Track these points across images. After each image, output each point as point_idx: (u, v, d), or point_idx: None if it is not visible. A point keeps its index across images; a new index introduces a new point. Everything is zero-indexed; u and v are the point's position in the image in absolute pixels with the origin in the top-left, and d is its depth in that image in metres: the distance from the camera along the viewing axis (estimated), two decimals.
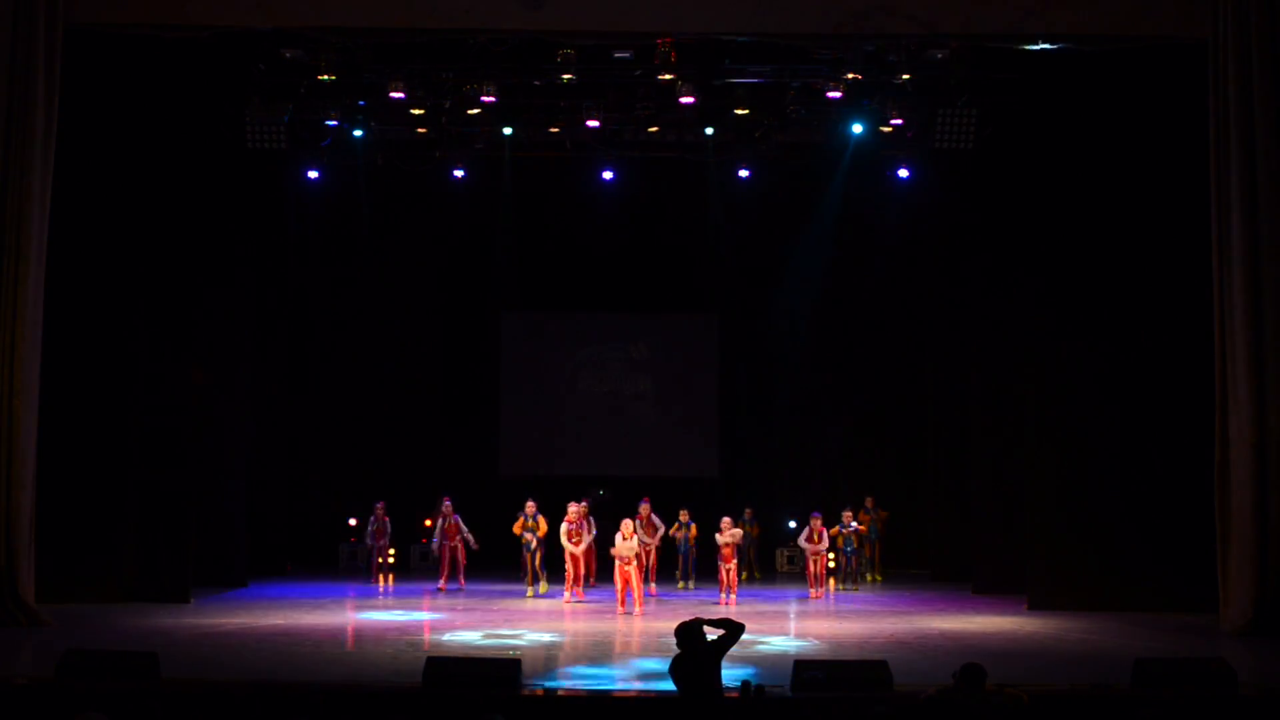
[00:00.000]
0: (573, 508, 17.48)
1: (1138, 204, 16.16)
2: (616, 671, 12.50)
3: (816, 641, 14.14)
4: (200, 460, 17.56)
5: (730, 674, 9.84)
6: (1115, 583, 16.03)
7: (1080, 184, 16.39)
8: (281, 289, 21.01)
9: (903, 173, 19.87)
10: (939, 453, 20.56)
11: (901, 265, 21.67)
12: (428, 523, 19.33)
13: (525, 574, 18.03)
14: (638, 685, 11.60)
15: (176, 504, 16.93)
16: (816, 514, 18.20)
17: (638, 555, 16.71)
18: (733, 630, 9.00)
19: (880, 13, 14.80)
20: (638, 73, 16.97)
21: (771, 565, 21.15)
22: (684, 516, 18.64)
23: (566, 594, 17.34)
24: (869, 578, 19.79)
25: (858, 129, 18.43)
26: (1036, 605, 16.12)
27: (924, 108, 17.68)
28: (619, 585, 16.48)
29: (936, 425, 20.62)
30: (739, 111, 18.00)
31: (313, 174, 19.88)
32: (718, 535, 17.20)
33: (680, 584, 18.90)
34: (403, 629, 14.88)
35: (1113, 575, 16.06)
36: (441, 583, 18.42)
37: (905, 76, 16.91)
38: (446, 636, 14.37)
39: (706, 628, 8.96)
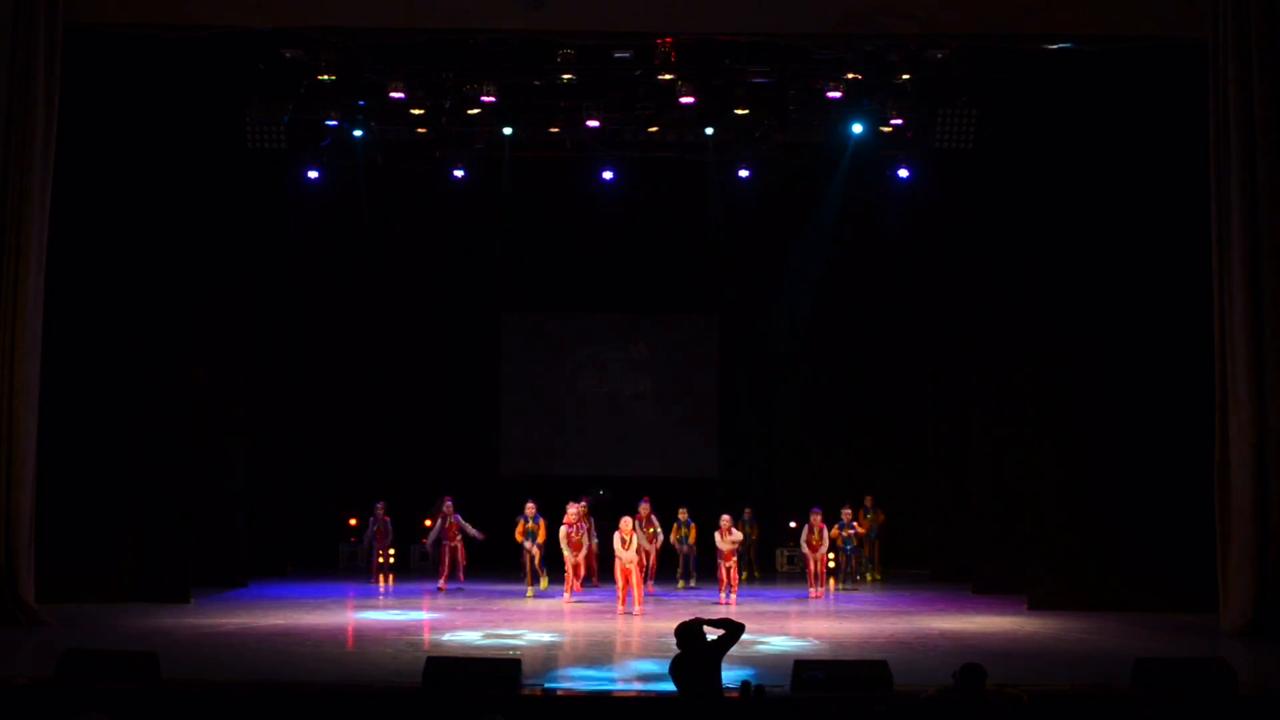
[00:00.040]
0: (572, 508, 17.48)
1: (1138, 204, 16.15)
2: (616, 673, 12.49)
3: (816, 641, 14.14)
4: (200, 460, 17.56)
5: (730, 674, 9.83)
6: (1115, 583, 16.02)
7: (1080, 184, 16.39)
8: (281, 289, 21.00)
9: (903, 173, 19.88)
10: (939, 453, 20.56)
11: (901, 265, 21.67)
12: (428, 523, 19.32)
13: (525, 574, 18.03)
14: (637, 686, 11.60)
15: (176, 504, 16.93)
16: (816, 510, 18.19)
17: (640, 551, 16.74)
18: (733, 630, 9.00)
19: (880, 13, 14.81)
20: (638, 73, 16.97)
21: (771, 565, 21.15)
22: (683, 515, 18.66)
23: (566, 594, 17.34)
24: (868, 577, 19.79)
25: (858, 129, 18.43)
26: (1036, 605, 16.12)
27: (924, 108, 17.68)
28: (619, 584, 16.49)
29: (936, 425, 20.62)
30: (739, 111, 18.00)
31: (313, 174, 19.88)
32: (718, 538, 17.22)
33: (680, 584, 18.91)
34: (403, 629, 14.88)
35: (1113, 575, 16.05)
36: (441, 582, 18.42)
37: (905, 76, 16.93)
38: (446, 636, 14.37)
39: (706, 628, 8.95)
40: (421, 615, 16.26)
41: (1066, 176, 16.46)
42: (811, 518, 18.07)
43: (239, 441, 18.84)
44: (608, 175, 20.09)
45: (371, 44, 16.14)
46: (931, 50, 16.11)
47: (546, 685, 11.17)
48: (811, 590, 17.96)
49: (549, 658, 13.11)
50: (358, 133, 18.80)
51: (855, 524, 18.98)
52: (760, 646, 13.28)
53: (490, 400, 22.66)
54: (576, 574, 17.42)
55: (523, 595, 17.75)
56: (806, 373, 22.43)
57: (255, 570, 18.97)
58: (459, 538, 18.54)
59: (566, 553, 17.29)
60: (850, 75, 16.80)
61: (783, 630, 14.96)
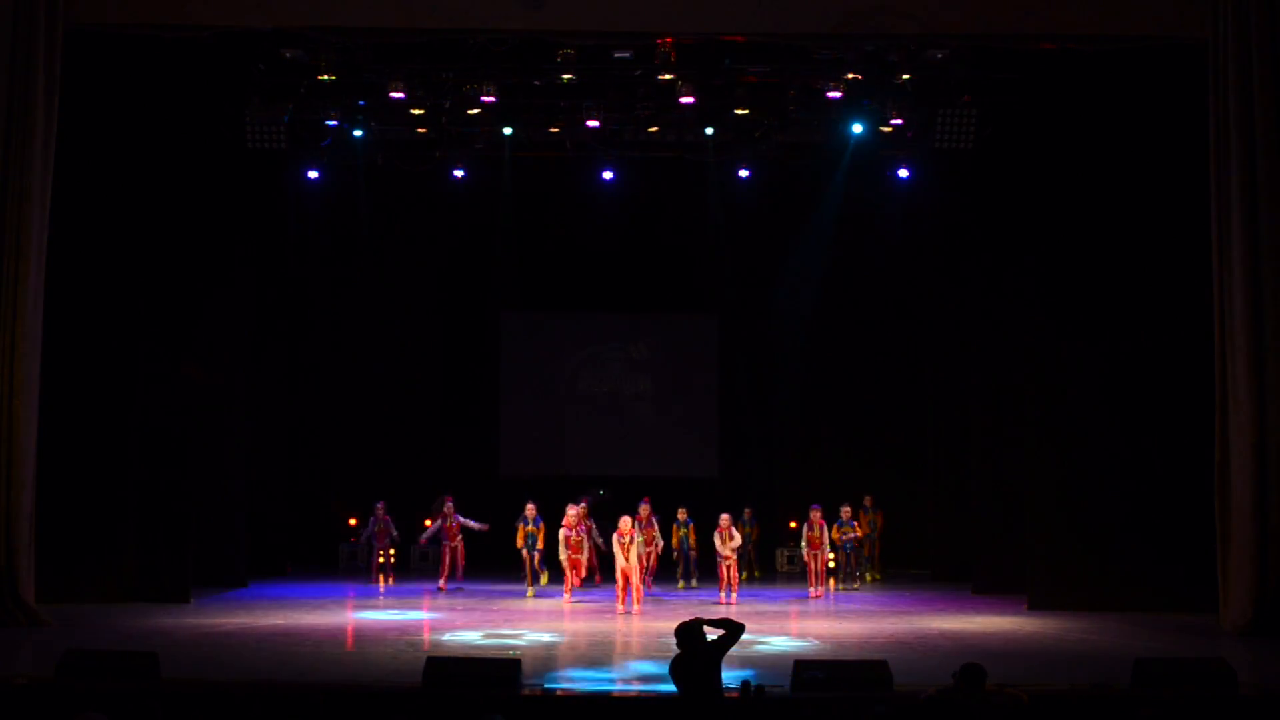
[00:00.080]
0: (571, 510, 17.48)
1: (1138, 204, 16.15)
2: (616, 673, 12.49)
3: (816, 641, 14.13)
4: (200, 460, 17.57)
5: (730, 674, 9.83)
6: (1115, 583, 16.02)
7: (1080, 184, 16.39)
8: (281, 289, 20.99)
9: (903, 173, 19.88)
10: (939, 453, 20.56)
11: (901, 265, 21.67)
12: (428, 523, 19.32)
13: (525, 574, 18.02)
14: (638, 686, 11.59)
15: (176, 504, 16.93)
16: (816, 506, 18.17)
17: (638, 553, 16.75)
18: (733, 630, 9.01)
19: (880, 12, 14.81)
20: (638, 73, 16.97)
21: (771, 565, 21.15)
22: (682, 515, 18.67)
23: (566, 594, 17.34)
24: (868, 577, 19.79)
25: (858, 129, 18.44)
26: (1036, 605, 16.12)
27: (924, 108, 17.68)
28: (619, 584, 16.50)
29: (936, 425, 20.62)
30: (739, 111, 18.00)
31: (313, 174, 19.89)
32: (717, 541, 17.23)
33: (680, 584, 18.91)
34: (403, 629, 14.88)
35: (1113, 575, 16.05)
36: (441, 582, 18.42)
37: (905, 76, 16.91)
38: (446, 636, 14.37)
39: (706, 628, 8.96)
40: (421, 615, 16.26)
41: (1066, 176, 16.46)
42: (811, 515, 18.06)
43: (239, 441, 18.84)
44: (608, 175, 20.09)
45: (371, 44, 16.13)
46: (931, 50, 16.10)
47: (546, 685, 11.18)
48: (811, 590, 17.96)
49: (549, 658, 13.11)
50: (358, 133, 18.80)
51: (855, 523, 18.98)
52: (760, 646, 13.29)
53: (490, 400, 22.66)
54: (576, 573, 17.40)
55: (523, 595, 17.75)
56: (806, 373, 22.43)
57: (255, 570, 18.97)
58: (459, 538, 18.54)
59: (563, 555, 17.29)
60: (850, 75, 16.80)
61: (783, 630, 14.96)
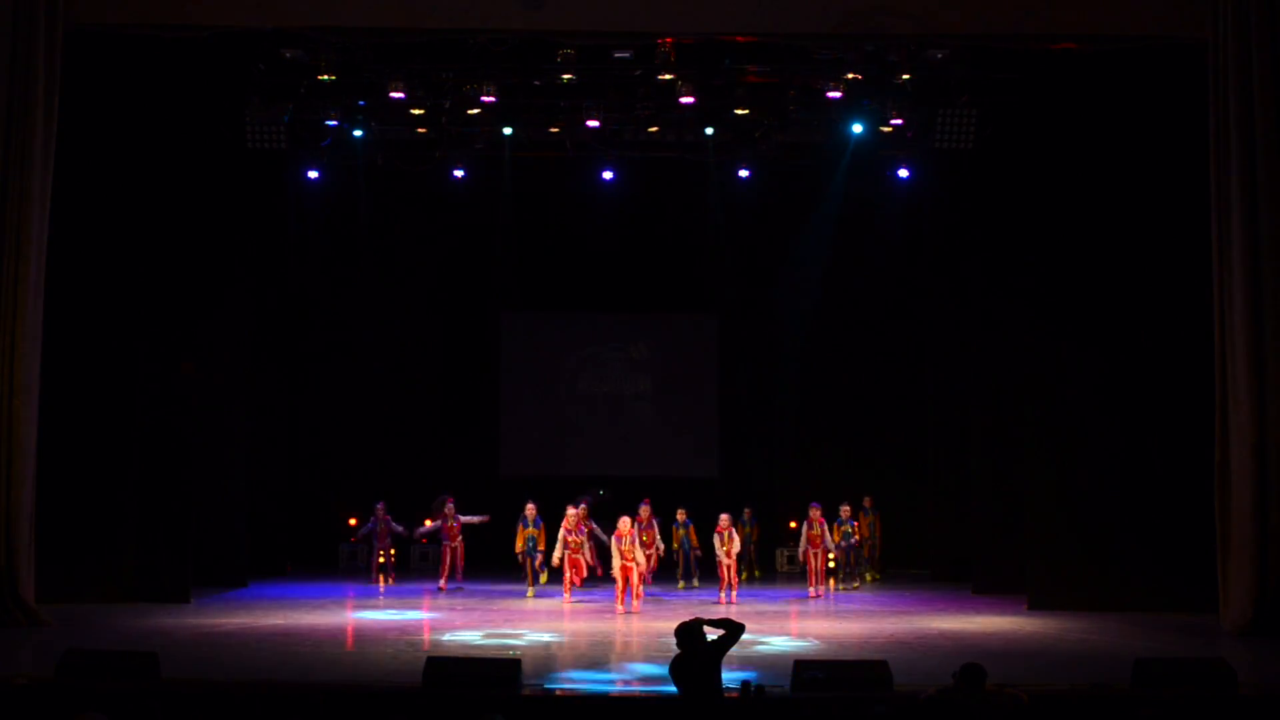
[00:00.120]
0: (571, 511, 17.47)
1: (1138, 204, 16.15)
2: (616, 674, 12.48)
3: (816, 641, 14.13)
4: (200, 460, 17.56)
5: (730, 674, 9.83)
6: (1115, 583, 16.02)
7: (1080, 184, 16.39)
8: (281, 289, 21.00)
9: (903, 173, 19.89)
10: (939, 453, 20.55)
11: (901, 265, 21.67)
12: (428, 522, 19.31)
13: (525, 574, 18.02)
14: (638, 686, 11.59)
15: (176, 504, 16.92)
16: (815, 505, 18.15)
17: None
18: (733, 630, 9.00)
19: (880, 13, 14.81)
20: (638, 73, 16.97)
21: (771, 565, 21.15)
22: (681, 516, 18.66)
23: (565, 594, 17.34)
24: (867, 577, 19.80)
25: (858, 129, 18.44)
26: (1036, 605, 16.12)
27: (924, 108, 17.68)
28: (618, 583, 16.50)
29: (936, 425, 20.61)
30: (739, 111, 18.00)
31: (313, 174, 19.89)
32: (716, 542, 17.26)
33: (680, 584, 18.91)
34: (403, 629, 14.88)
35: (1113, 575, 16.05)
36: (442, 582, 18.43)
37: (905, 76, 16.91)
38: (446, 636, 14.37)
39: (706, 628, 8.96)
40: (421, 615, 16.26)
41: (1066, 176, 16.46)
42: (811, 513, 18.04)
43: (239, 441, 18.84)
44: (608, 175, 20.09)
45: (371, 44, 16.13)
46: (931, 50, 16.10)
47: (547, 685, 11.17)
48: (811, 590, 17.96)
49: (549, 658, 13.11)
50: (358, 133, 18.80)
51: (854, 523, 18.97)
52: (760, 646, 13.28)
53: (490, 400, 22.66)
54: (577, 574, 17.38)
55: (523, 595, 17.75)
56: (806, 373, 22.43)
57: (255, 570, 18.97)
58: (459, 538, 18.55)
59: (558, 553, 17.31)
60: (850, 75, 16.80)
61: (783, 630, 14.96)
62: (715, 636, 8.93)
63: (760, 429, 22.66)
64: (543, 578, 17.97)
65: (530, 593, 17.80)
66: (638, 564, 16.75)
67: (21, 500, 14.54)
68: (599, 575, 18.23)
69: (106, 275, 16.61)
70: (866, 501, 19.96)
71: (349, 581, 19.52)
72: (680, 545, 18.83)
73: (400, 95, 16.87)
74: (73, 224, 15.61)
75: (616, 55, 16.47)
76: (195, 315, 17.67)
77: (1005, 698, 8.62)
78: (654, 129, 18.97)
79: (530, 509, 18.03)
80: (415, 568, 20.78)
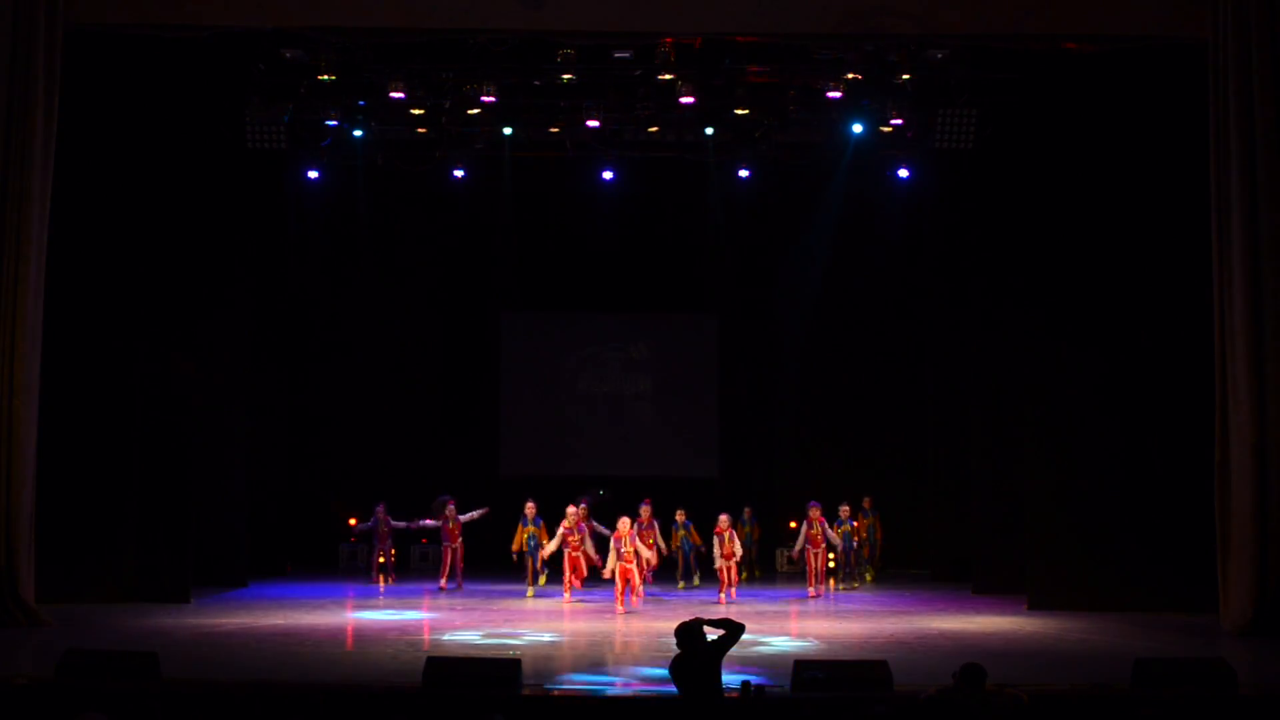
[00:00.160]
0: (571, 510, 17.48)
1: (1138, 204, 16.15)
2: (618, 678, 12.47)
3: (816, 641, 14.13)
4: (200, 460, 17.56)
5: (730, 674, 9.83)
6: (1115, 583, 16.02)
7: (1080, 184, 16.39)
8: (281, 289, 21.00)
9: (903, 173, 19.88)
10: (939, 452, 20.55)
11: (901, 265, 21.67)
12: (426, 522, 19.30)
13: (526, 573, 18.01)
14: (638, 686, 11.59)
15: (176, 504, 16.92)
16: (815, 504, 18.13)
17: (637, 553, 16.76)
18: (733, 630, 9.00)
19: (880, 13, 14.81)
20: (638, 73, 16.96)
21: (771, 565, 21.15)
22: (680, 517, 18.65)
23: (566, 594, 17.34)
24: (867, 576, 19.81)
25: (858, 129, 18.43)
26: (1036, 605, 16.12)
27: (924, 108, 17.68)
28: (618, 584, 16.51)
29: (936, 425, 20.61)
30: (739, 111, 17.99)
31: (313, 174, 19.88)
32: (716, 544, 17.28)
33: (680, 584, 18.91)
34: (403, 629, 14.88)
35: (1113, 575, 16.05)
36: (442, 581, 18.46)
37: (905, 76, 16.90)
38: (446, 636, 14.37)
39: (707, 628, 8.96)
40: (421, 615, 16.26)
41: (1066, 177, 16.46)
42: (810, 513, 18.01)
43: (239, 441, 18.84)
44: (608, 175, 20.08)
45: (371, 44, 16.13)
46: (931, 50, 16.10)
47: (547, 686, 11.18)
48: (811, 590, 17.95)
49: (549, 658, 13.10)
50: (358, 133, 18.79)
51: (854, 522, 18.98)
52: (760, 647, 13.28)
53: (490, 400, 22.66)
54: (577, 573, 17.38)
55: (523, 595, 17.75)
56: (806, 373, 22.44)
57: (255, 570, 18.97)
58: (460, 540, 18.56)
59: (550, 546, 17.37)
60: (850, 75, 16.79)
61: (783, 630, 14.96)
62: (715, 636, 8.93)
63: (760, 429, 22.67)
64: (541, 579, 17.97)
65: (530, 592, 17.80)
66: (640, 554, 16.75)
67: (21, 500, 14.54)
68: (599, 567, 18.20)
69: (106, 275, 16.61)
70: (866, 502, 19.97)
71: (349, 581, 19.53)
72: (680, 546, 18.85)
73: (400, 95, 16.87)
74: (73, 224, 15.61)
75: (616, 55, 16.47)
76: (195, 315, 17.67)
77: (1005, 698, 8.62)
78: (654, 129, 18.96)
79: (530, 507, 18.03)
80: (415, 568, 20.79)
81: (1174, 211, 15.82)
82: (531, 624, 15.38)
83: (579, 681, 11.68)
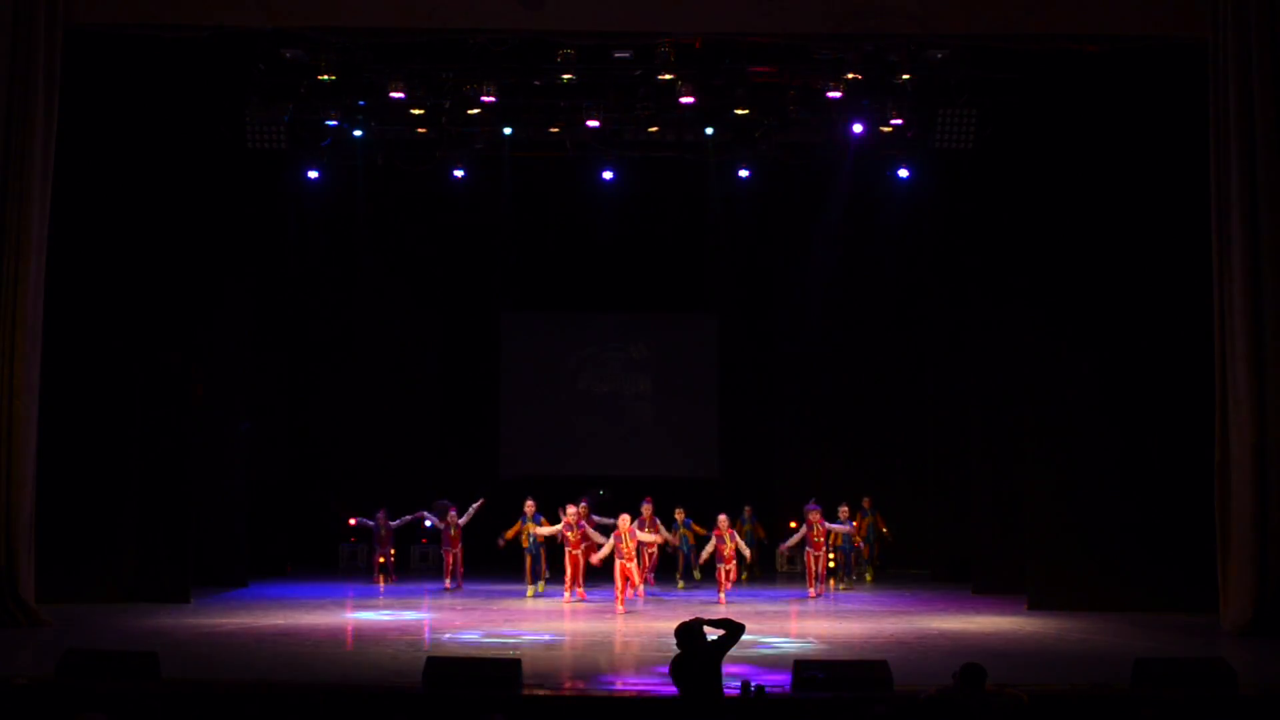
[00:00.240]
0: (570, 510, 17.48)
1: (1138, 204, 16.16)
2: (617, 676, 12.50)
3: (816, 641, 14.13)
4: (200, 460, 17.56)
5: (730, 674, 9.83)
6: (1115, 583, 16.02)
7: (1080, 184, 16.39)
8: (281, 289, 21.00)
9: (903, 173, 19.87)
10: (939, 453, 20.54)
11: (901, 265, 21.65)
12: (425, 515, 19.29)
13: (526, 573, 18.00)
14: (637, 686, 11.60)
15: (176, 504, 16.92)
16: (815, 507, 18.11)
17: (639, 550, 16.79)
18: (733, 630, 9.01)
19: (880, 13, 14.81)
20: (638, 73, 16.96)
21: (771, 565, 21.15)
22: (679, 516, 18.66)
23: (566, 594, 17.34)
24: (867, 576, 19.82)
25: (858, 129, 18.42)
26: (1036, 605, 16.11)
27: (924, 108, 17.68)
28: (619, 583, 16.51)
29: (936, 425, 20.61)
30: (739, 111, 17.98)
31: (313, 174, 19.86)
32: (713, 544, 17.28)
33: (680, 584, 18.92)
34: (403, 629, 14.88)
35: (1113, 575, 16.05)
36: (447, 582, 18.54)
37: (905, 76, 16.91)
38: (446, 636, 14.38)
39: (707, 628, 8.96)
40: (421, 615, 16.26)
41: (1066, 176, 16.46)
42: (810, 516, 18.00)
43: (239, 442, 18.84)
44: (608, 175, 20.07)
45: (371, 44, 16.13)
46: (931, 50, 16.10)
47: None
48: (811, 590, 17.95)
49: (549, 658, 13.09)
50: (358, 133, 18.78)
51: (853, 522, 18.98)
52: (760, 646, 13.28)
53: (490, 400, 22.66)
54: (576, 576, 17.36)
55: (523, 595, 17.75)
56: (807, 372, 22.44)
57: (255, 570, 18.97)
58: (460, 544, 18.58)
59: (543, 532, 17.45)
60: (850, 75, 16.79)
61: (783, 630, 14.96)
62: (715, 636, 8.94)
63: (760, 429, 22.66)
64: (541, 585, 17.94)
65: (530, 592, 17.80)
66: (643, 549, 16.79)
67: (21, 501, 14.55)
68: (597, 564, 18.19)
69: (107, 275, 16.61)
70: (866, 502, 19.98)
71: (349, 581, 19.53)
72: (680, 545, 18.86)
73: (400, 95, 16.87)
74: (73, 224, 15.62)
75: (616, 55, 16.47)
76: (195, 315, 17.67)
77: (1005, 698, 8.62)
78: (654, 129, 18.96)
79: (530, 506, 18.04)
80: (415, 568, 20.80)
81: (1174, 211, 15.82)
82: (532, 624, 15.38)
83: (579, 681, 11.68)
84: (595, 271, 22.21)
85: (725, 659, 9.03)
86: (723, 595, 17.13)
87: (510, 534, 18.00)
